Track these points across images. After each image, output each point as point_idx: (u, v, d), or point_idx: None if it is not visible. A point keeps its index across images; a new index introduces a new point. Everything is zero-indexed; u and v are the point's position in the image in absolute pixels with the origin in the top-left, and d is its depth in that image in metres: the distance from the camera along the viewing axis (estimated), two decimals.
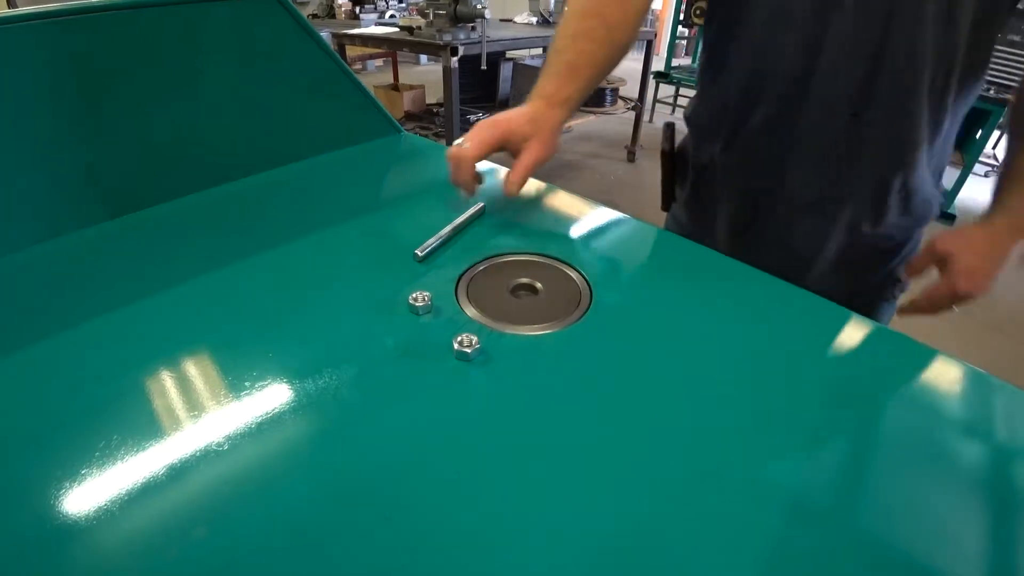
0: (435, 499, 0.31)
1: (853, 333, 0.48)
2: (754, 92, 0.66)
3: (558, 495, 0.32)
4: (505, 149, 0.59)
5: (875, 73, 0.59)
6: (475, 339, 0.41)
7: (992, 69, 2.58)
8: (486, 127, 0.57)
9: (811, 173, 0.66)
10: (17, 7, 0.64)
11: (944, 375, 0.44)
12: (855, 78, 0.59)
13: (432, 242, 0.54)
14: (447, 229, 0.56)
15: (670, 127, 0.80)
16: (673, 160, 0.81)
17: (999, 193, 0.63)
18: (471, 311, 0.46)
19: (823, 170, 0.65)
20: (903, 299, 0.71)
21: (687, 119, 0.79)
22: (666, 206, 0.87)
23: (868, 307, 0.72)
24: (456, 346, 0.41)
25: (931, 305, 0.63)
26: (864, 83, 0.59)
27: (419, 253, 0.52)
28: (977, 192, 3.50)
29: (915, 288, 0.67)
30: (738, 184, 0.72)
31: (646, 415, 0.38)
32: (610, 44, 0.62)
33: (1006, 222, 0.61)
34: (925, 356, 0.45)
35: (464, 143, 0.56)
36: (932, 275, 0.65)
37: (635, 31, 0.64)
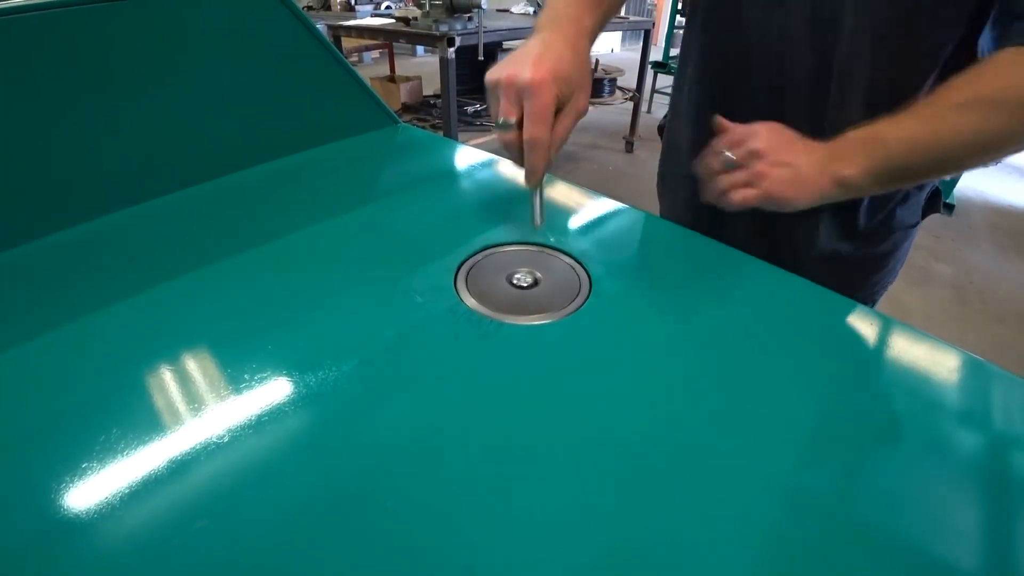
0: (435, 489, 0.31)
1: (851, 321, 0.48)
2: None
3: (558, 484, 0.32)
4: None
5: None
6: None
7: None
8: (542, 89, 0.43)
9: None
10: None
11: (942, 363, 0.44)
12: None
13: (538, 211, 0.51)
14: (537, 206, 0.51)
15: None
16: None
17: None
18: (470, 301, 0.46)
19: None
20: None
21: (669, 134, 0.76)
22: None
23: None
24: None
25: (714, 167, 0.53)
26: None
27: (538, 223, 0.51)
28: (976, 183, 3.49)
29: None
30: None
31: (646, 404, 0.38)
32: None
33: (828, 145, 0.51)
34: (924, 344, 0.45)
35: (530, 120, 0.43)
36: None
37: None
